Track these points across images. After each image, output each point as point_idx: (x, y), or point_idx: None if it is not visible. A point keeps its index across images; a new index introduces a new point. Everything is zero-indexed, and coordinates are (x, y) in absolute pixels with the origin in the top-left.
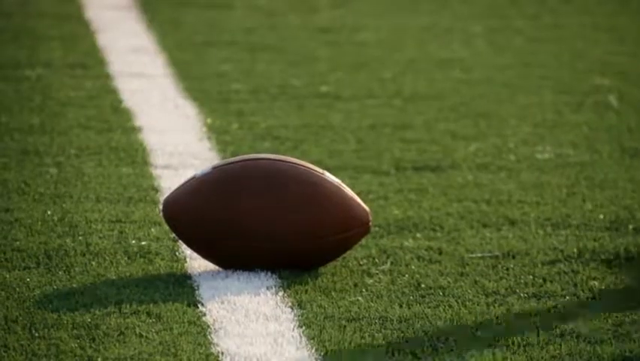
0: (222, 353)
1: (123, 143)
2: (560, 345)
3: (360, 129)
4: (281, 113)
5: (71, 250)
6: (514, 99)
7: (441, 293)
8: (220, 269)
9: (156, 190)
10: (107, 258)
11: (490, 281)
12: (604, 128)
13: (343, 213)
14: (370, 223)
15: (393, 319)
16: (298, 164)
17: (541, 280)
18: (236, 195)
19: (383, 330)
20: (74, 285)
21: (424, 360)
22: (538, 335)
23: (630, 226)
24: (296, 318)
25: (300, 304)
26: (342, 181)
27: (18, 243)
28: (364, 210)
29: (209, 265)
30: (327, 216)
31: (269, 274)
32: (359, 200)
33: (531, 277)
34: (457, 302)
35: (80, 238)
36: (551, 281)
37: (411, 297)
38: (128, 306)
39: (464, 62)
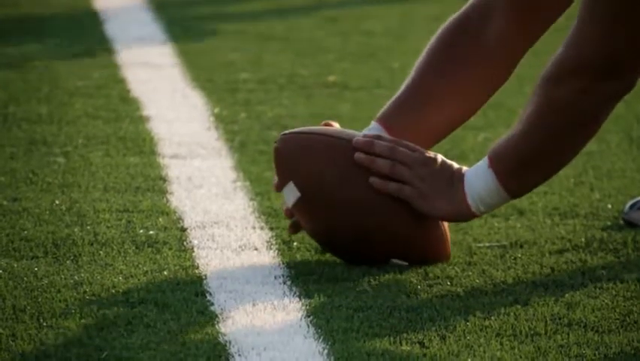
0: (230, 343)
1: (131, 132)
2: (568, 335)
3: (369, 119)
4: (289, 102)
5: (79, 239)
6: (522, 90)
7: (449, 283)
8: (228, 259)
9: (164, 180)
10: (114, 247)
11: (498, 271)
12: (612, 118)
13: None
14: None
15: (401, 308)
16: None
17: (549, 270)
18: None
19: (391, 320)
20: (82, 274)
21: (431, 350)
22: (545, 325)
23: None
24: (304, 308)
25: (307, 294)
26: None
27: (26, 232)
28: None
29: (217, 255)
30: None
31: (276, 263)
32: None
33: (539, 266)
34: (465, 292)
35: (88, 227)
36: (559, 271)
37: (418, 286)
38: (135, 295)
39: None
